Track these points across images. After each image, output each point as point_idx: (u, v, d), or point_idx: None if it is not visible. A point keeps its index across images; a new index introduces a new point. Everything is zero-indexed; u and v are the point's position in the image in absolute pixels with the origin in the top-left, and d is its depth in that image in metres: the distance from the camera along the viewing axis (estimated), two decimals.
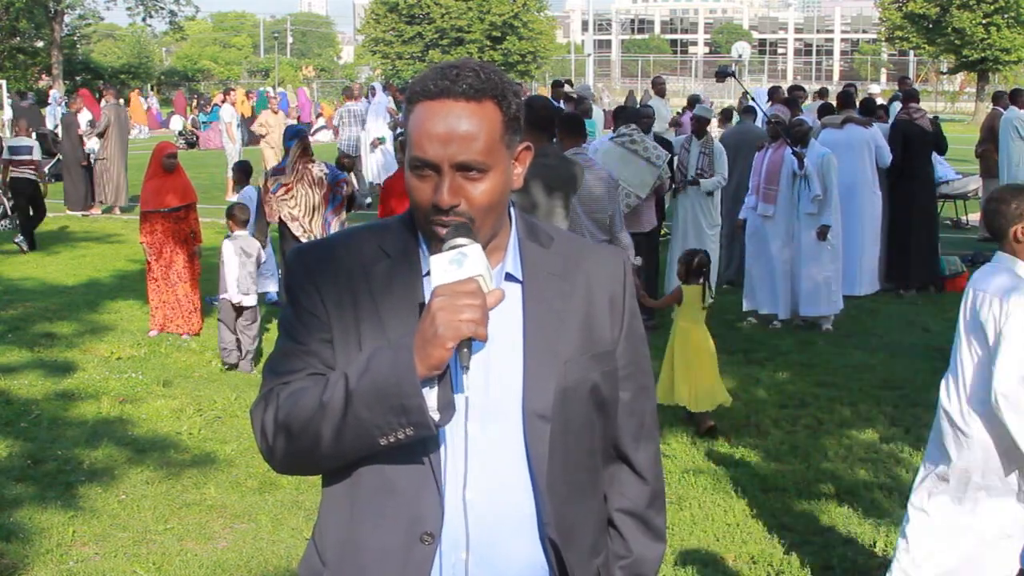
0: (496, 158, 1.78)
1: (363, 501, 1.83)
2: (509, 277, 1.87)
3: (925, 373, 7.44)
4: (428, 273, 1.80)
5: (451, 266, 1.70)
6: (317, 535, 1.94)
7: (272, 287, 9.46)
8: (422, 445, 1.76)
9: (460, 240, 1.73)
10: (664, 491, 2.09)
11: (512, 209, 1.91)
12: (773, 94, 14.84)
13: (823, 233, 8.77)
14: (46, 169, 20.41)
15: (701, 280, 6.49)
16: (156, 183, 8.76)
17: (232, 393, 7.27)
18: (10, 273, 11.63)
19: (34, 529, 5.07)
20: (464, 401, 1.78)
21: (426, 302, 1.74)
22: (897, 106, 14.08)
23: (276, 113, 18.46)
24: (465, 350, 1.69)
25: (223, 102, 20.28)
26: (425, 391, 1.70)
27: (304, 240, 7.97)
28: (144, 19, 45.97)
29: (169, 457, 6.07)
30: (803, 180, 8.72)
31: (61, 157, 16.76)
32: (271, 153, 17.24)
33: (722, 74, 10.55)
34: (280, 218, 8.27)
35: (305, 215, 8.16)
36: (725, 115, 14.21)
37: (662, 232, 10.37)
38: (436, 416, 1.71)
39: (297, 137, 8.43)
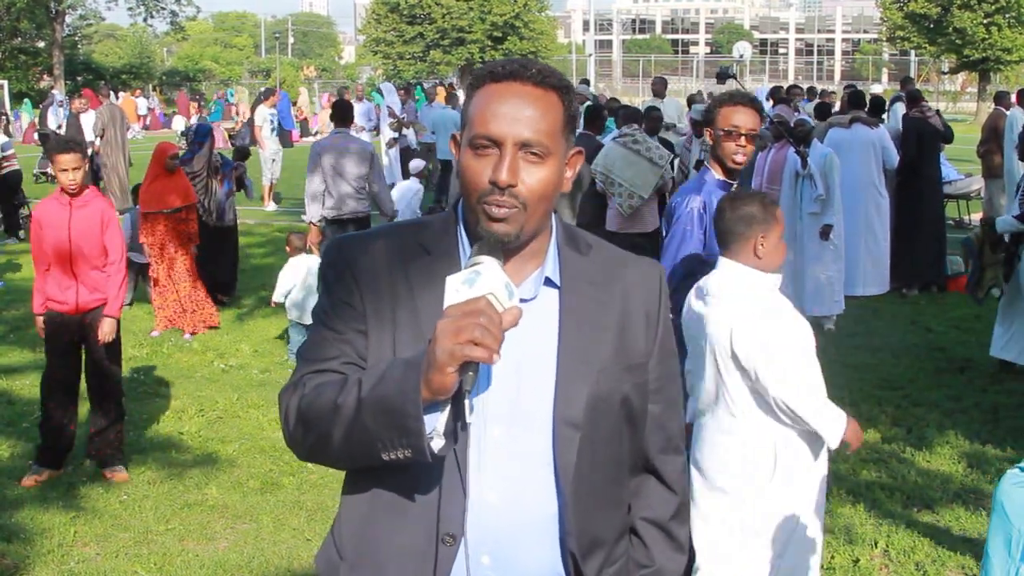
0: (555, 146, 1.78)
1: (385, 497, 1.82)
2: (548, 282, 1.86)
3: (927, 373, 7.44)
4: None
5: (463, 286, 1.66)
6: (336, 528, 1.93)
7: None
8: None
9: (478, 258, 1.69)
10: (689, 504, 2.09)
11: (553, 214, 1.90)
12: (774, 94, 14.85)
13: (825, 233, 8.76)
14: (47, 169, 20.56)
15: None
16: (158, 184, 8.77)
17: (234, 393, 7.27)
18: (11, 273, 11.63)
19: (35, 529, 5.07)
20: (503, 419, 1.76)
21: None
22: (899, 106, 14.11)
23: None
24: (470, 373, 1.63)
25: (263, 103, 18.16)
26: (430, 416, 1.67)
27: (203, 217, 9.40)
28: (145, 19, 46.04)
29: (171, 457, 6.07)
30: (805, 180, 8.72)
31: None
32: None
33: (723, 75, 10.58)
34: None
35: (206, 198, 9.65)
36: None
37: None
38: (440, 443, 1.68)
39: (208, 137, 9.96)
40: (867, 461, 5.97)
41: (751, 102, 4.12)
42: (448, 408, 1.69)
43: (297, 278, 8.10)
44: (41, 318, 5.75)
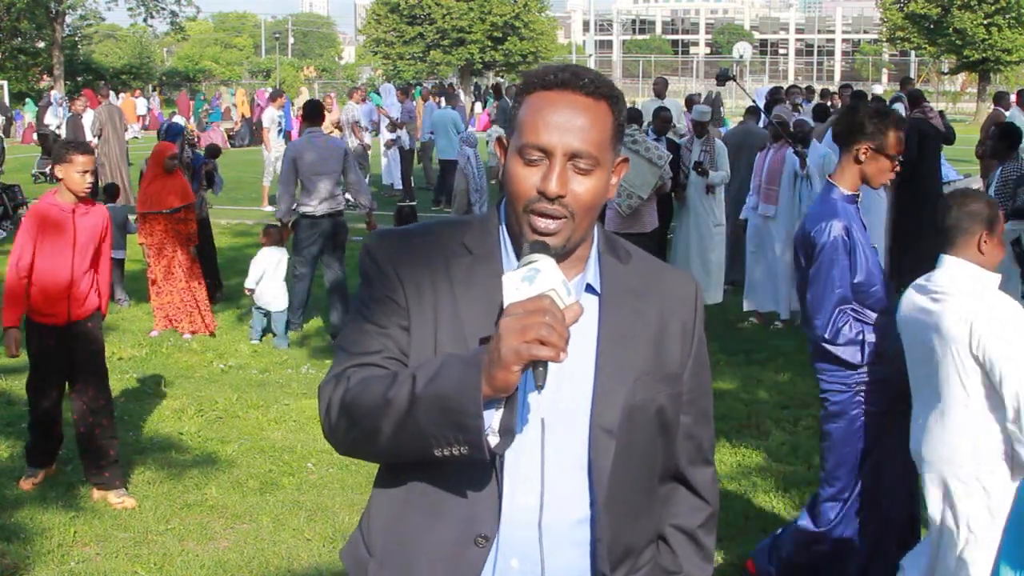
0: (604, 157, 1.78)
1: (418, 496, 1.82)
2: (589, 288, 1.86)
3: None
4: None
5: (523, 283, 1.65)
6: (364, 524, 1.92)
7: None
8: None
9: (535, 256, 1.69)
10: (717, 514, 2.08)
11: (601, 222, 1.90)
12: (774, 94, 14.85)
13: None
14: (47, 169, 20.56)
15: None
16: (157, 184, 8.77)
17: (233, 393, 7.27)
18: None
19: (35, 529, 5.07)
20: (540, 423, 1.75)
21: (504, 302, 1.72)
22: (898, 107, 14.11)
23: (329, 111, 18.41)
24: (540, 369, 1.62)
25: (271, 104, 18.25)
26: (488, 412, 1.66)
27: None
28: (145, 19, 46.01)
29: (170, 457, 6.07)
30: (804, 180, 8.72)
31: None
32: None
33: (723, 77, 10.58)
34: None
35: None
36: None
37: (668, 233, 10.38)
38: (495, 440, 1.68)
39: (180, 135, 10.20)
40: None
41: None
42: (503, 407, 1.68)
43: (267, 267, 8.56)
44: (16, 330, 5.47)
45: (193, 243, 8.99)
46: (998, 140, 8.12)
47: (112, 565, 4.74)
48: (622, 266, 1.90)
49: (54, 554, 4.83)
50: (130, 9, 44.94)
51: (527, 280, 1.65)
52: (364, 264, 1.90)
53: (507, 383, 1.62)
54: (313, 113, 9.08)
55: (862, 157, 4.03)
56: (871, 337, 3.97)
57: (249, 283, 8.61)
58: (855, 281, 3.97)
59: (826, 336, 3.97)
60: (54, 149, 5.52)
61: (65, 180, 5.34)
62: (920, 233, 10.39)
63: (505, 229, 1.86)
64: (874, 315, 4.02)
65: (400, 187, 17.76)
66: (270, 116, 17.43)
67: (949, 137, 11.11)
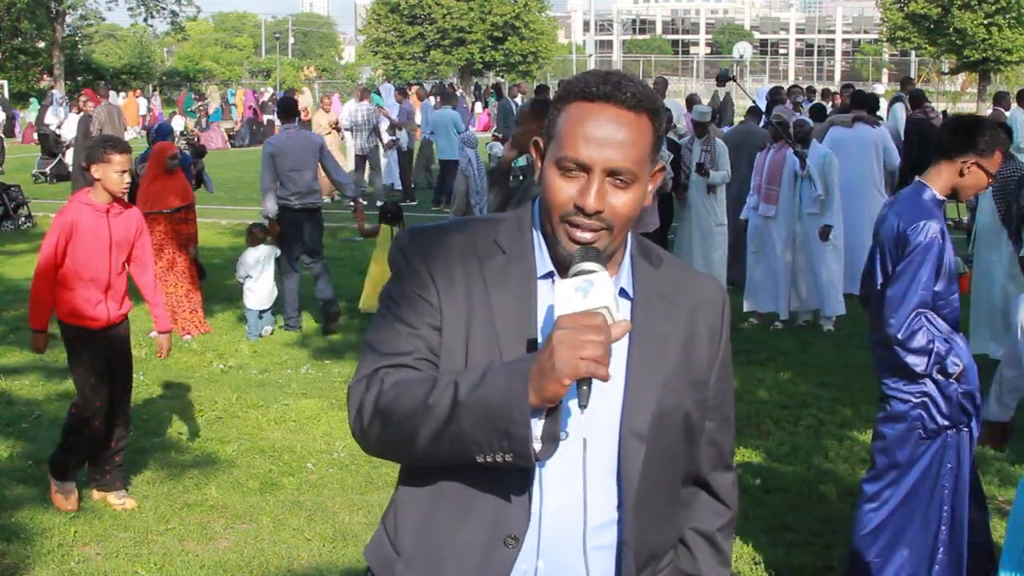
0: (642, 171, 1.78)
1: (449, 495, 1.82)
2: (622, 293, 1.86)
3: None
4: (544, 275, 1.81)
5: (576, 294, 1.64)
6: (389, 522, 1.92)
7: None
8: None
9: (588, 265, 1.68)
10: (736, 519, 2.09)
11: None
12: (775, 95, 14.84)
13: (825, 234, 8.76)
14: (47, 169, 20.58)
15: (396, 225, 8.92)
16: (158, 184, 8.77)
17: (233, 393, 7.27)
18: (11, 273, 11.63)
19: (35, 529, 5.07)
20: (583, 443, 1.74)
21: (537, 304, 1.73)
22: (899, 106, 14.11)
23: (328, 112, 18.39)
24: (585, 388, 1.64)
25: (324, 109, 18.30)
26: (533, 421, 1.66)
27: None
28: (146, 19, 46.02)
29: (170, 458, 6.07)
30: (805, 180, 8.72)
31: (73, 158, 16.85)
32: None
33: (723, 78, 10.58)
34: None
35: None
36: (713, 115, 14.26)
37: (669, 233, 10.38)
38: (538, 447, 1.68)
39: (168, 137, 10.72)
40: (867, 462, 5.95)
41: None
42: (546, 416, 1.69)
43: (252, 263, 8.87)
44: (44, 334, 5.32)
45: (193, 244, 8.99)
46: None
47: (112, 565, 4.74)
48: (654, 271, 1.91)
49: (54, 554, 4.83)
50: (130, 9, 44.95)
51: (581, 291, 1.64)
52: (396, 261, 1.88)
53: (556, 394, 1.63)
54: (287, 109, 9.25)
55: (966, 171, 3.99)
56: (940, 347, 3.90)
57: (239, 276, 8.96)
58: (937, 288, 3.92)
59: (899, 336, 3.89)
60: (89, 148, 5.32)
61: (102, 180, 5.13)
62: None
63: (539, 231, 1.86)
64: (946, 327, 3.96)
65: (400, 187, 17.77)
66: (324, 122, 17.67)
67: None
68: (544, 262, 1.83)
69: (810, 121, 10.13)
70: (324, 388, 7.45)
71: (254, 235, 8.95)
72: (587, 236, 1.75)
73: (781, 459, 6.01)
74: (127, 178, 5.16)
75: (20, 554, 4.81)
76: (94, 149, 5.20)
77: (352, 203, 9.08)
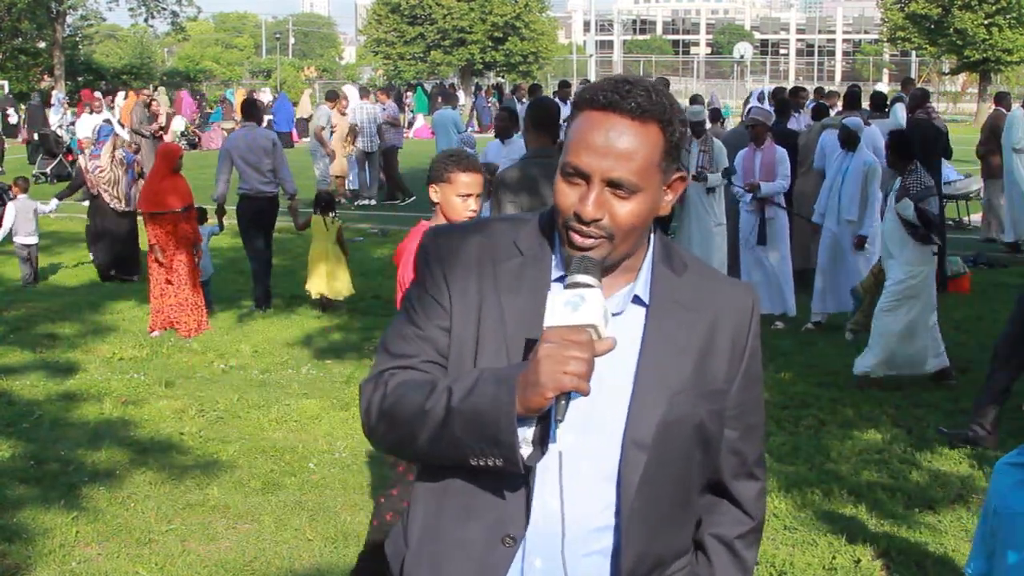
0: (648, 181, 1.76)
1: (453, 494, 1.86)
2: (636, 299, 1.85)
3: (928, 374, 7.44)
4: (558, 278, 1.81)
5: (566, 308, 1.66)
6: (405, 517, 1.97)
7: None
8: None
9: (583, 278, 1.69)
10: (762, 528, 2.06)
11: (653, 232, 1.88)
12: (775, 96, 14.83)
13: (861, 243, 8.81)
14: (48, 169, 20.58)
15: (330, 214, 9.71)
16: (164, 185, 8.80)
17: (234, 394, 7.27)
18: (12, 273, 11.63)
19: (37, 530, 5.07)
20: (557, 456, 1.77)
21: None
22: (899, 107, 14.10)
23: (344, 115, 18.37)
24: (562, 402, 1.66)
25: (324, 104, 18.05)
26: (522, 429, 1.70)
27: (112, 203, 11.19)
28: (146, 20, 45.97)
29: (171, 458, 6.07)
30: (844, 184, 8.80)
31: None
32: (339, 148, 17.28)
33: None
34: (98, 189, 11.26)
35: (112, 187, 11.21)
36: (713, 115, 14.28)
37: (669, 233, 10.38)
38: (528, 451, 1.71)
39: (110, 136, 11.41)
40: (868, 462, 5.97)
41: None
42: (535, 423, 1.72)
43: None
44: None
45: (196, 243, 9.00)
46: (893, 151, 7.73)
47: (114, 565, 4.75)
48: (675, 277, 1.88)
49: (56, 554, 4.83)
50: (131, 9, 44.94)
51: (571, 306, 1.66)
52: (418, 261, 1.93)
53: (540, 406, 1.67)
54: (249, 110, 10.37)
55: None
56: None
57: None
58: None
59: None
60: (433, 163, 4.19)
61: (443, 204, 4.10)
62: None
63: (558, 232, 1.86)
64: None
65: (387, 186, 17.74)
66: (326, 117, 17.54)
67: (946, 153, 11.07)
68: (561, 263, 1.84)
69: (804, 121, 10.16)
70: (325, 388, 7.45)
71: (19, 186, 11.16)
72: (585, 243, 1.76)
73: (781, 459, 6.01)
74: (472, 204, 4.07)
75: (21, 554, 4.81)
76: (437, 164, 4.16)
77: (290, 199, 9.98)
